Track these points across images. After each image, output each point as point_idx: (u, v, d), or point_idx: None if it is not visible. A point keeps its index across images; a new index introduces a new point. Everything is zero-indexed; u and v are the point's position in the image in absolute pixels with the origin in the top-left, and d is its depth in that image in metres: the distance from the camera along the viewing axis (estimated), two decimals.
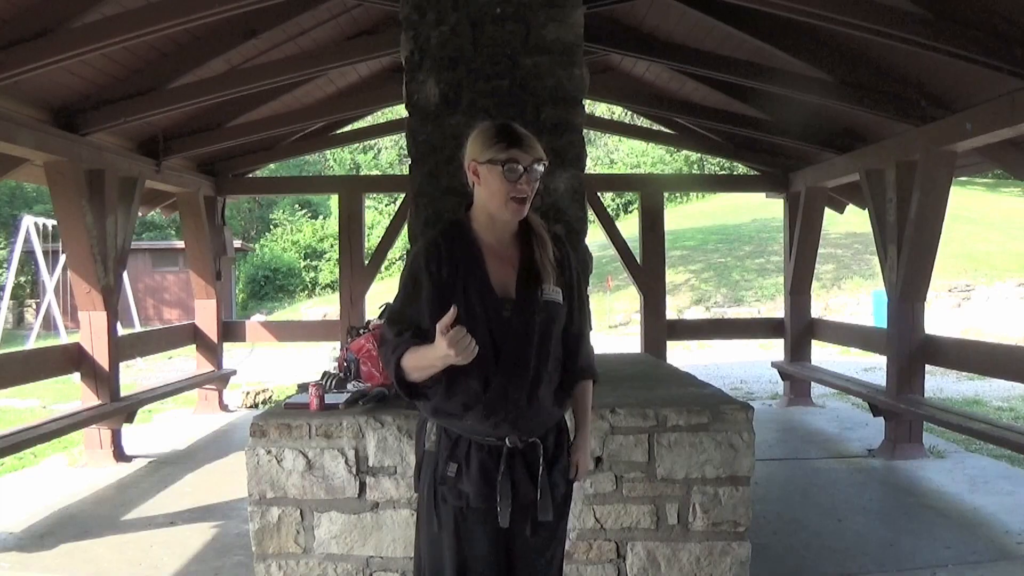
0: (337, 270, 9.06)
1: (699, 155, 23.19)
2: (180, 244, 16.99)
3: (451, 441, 2.14)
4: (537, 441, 2.13)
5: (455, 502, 2.12)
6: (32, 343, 12.73)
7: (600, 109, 21.88)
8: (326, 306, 20.15)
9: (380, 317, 3.71)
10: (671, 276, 14.60)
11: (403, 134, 4.17)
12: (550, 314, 2.13)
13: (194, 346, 8.24)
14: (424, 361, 2.03)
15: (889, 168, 5.89)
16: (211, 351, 8.18)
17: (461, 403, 2.10)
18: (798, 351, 8.17)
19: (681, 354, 11.83)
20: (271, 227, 28.09)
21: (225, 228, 8.35)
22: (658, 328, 8.06)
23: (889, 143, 5.99)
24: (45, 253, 12.69)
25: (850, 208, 8.49)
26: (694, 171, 25.65)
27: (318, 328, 10.31)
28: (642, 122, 13.92)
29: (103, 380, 5.93)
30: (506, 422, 2.09)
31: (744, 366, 11.12)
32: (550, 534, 2.21)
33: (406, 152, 4.02)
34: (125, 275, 8.27)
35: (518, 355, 2.09)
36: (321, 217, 27.98)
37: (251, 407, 8.47)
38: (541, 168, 2.06)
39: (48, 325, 13.74)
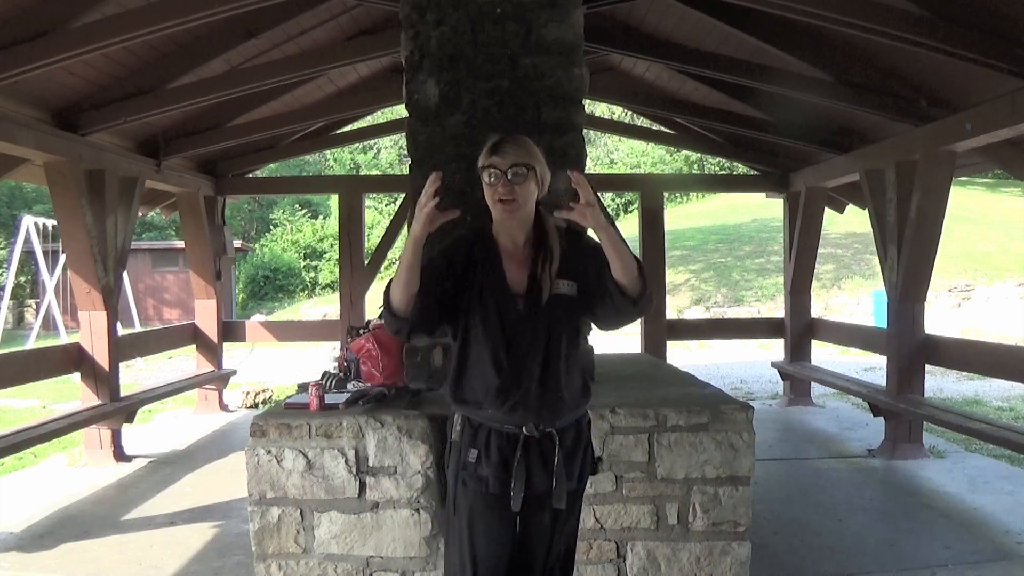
0: (337, 270, 9.06)
1: (699, 155, 23.20)
2: (180, 244, 16.98)
3: (473, 429, 2.30)
4: (553, 432, 2.27)
5: (475, 487, 2.27)
6: (32, 343, 12.72)
7: (600, 109, 21.88)
8: (326, 306, 20.15)
9: (380, 317, 3.71)
10: (671, 276, 14.62)
11: (403, 134, 4.17)
12: (559, 306, 2.27)
13: (194, 346, 8.24)
14: (402, 258, 2.20)
15: (889, 168, 5.89)
16: (211, 351, 8.17)
17: (479, 389, 2.28)
18: (798, 351, 8.17)
19: (681, 354, 11.83)
20: (271, 227, 28.08)
21: (225, 228, 8.34)
22: (658, 328, 8.06)
23: (889, 143, 5.99)
24: (45, 253, 12.68)
25: (850, 208, 8.49)
26: (694, 171, 25.65)
27: (318, 328, 10.32)
28: (642, 122, 13.91)
29: (103, 380, 5.93)
30: (520, 407, 2.25)
31: (744, 366, 11.12)
32: (564, 522, 2.35)
33: (406, 152, 4.02)
34: (125, 275, 8.26)
35: (529, 345, 2.26)
36: (321, 217, 27.97)
37: (251, 407, 8.46)
38: (522, 171, 2.21)
39: (48, 325, 13.73)
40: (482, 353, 2.27)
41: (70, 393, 8.75)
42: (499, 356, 2.25)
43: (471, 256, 2.31)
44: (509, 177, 2.19)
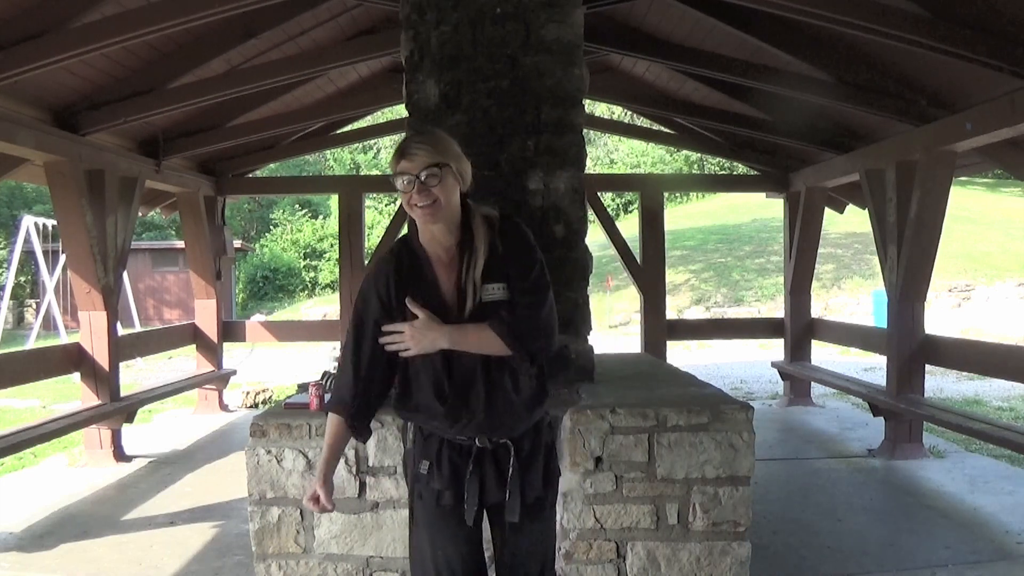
0: (337, 270, 9.06)
1: (699, 155, 23.22)
2: (180, 244, 17.01)
3: (424, 438, 2.20)
4: (508, 442, 2.14)
5: (429, 499, 2.16)
6: (32, 343, 12.73)
7: (600, 109, 21.90)
8: (326, 306, 20.16)
9: None
10: (671, 276, 14.60)
11: (403, 134, 4.17)
12: (489, 314, 2.09)
13: (194, 346, 8.24)
14: (327, 452, 2.19)
15: (889, 168, 5.89)
16: (211, 351, 8.17)
17: (423, 411, 2.16)
18: (798, 351, 8.17)
19: (681, 354, 11.84)
20: (271, 227, 28.10)
21: (225, 228, 8.34)
22: (658, 328, 8.06)
23: (889, 143, 5.99)
24: (45, 253, 12.69)
25: (850, 208, 8.49)
26: (694, 171, 25.68)
27: (318, 328, 10.31)
28: (642, 122, 13.93)
29: (103, 380, 5.93)
30: (470, 426, 2.13)
31: (744, 366, 11.12)
32: (531, 530, 2.21)
33: None
34: (125, 275, 8.26)
35: (468, 360, 2.11)
36: (321, 217, 28.00)
37: (251, 407, 8.47)
38: (435, 171, 2.03)
39: (48, 325, 13.73)
40: (422, 379, 2.13)
41: (70, 393, 8.75)
42: (441, 382, 2.10)
43: (399, 276, 2.12)
44: (423, 179, 2.02)
